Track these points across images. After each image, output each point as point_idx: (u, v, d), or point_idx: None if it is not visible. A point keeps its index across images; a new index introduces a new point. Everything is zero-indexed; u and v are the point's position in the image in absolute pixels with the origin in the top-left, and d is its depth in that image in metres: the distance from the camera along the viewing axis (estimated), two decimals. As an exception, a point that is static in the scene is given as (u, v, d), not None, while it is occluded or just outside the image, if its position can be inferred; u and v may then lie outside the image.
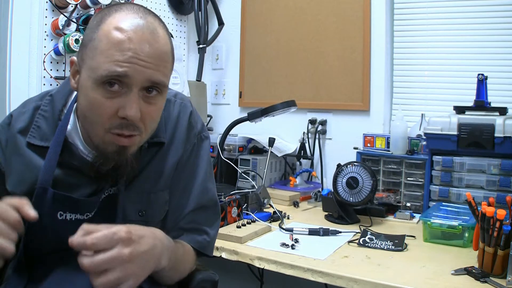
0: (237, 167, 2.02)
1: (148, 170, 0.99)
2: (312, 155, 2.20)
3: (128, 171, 0.91)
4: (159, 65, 0.85)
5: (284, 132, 2.29)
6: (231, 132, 2.02)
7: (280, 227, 1.58)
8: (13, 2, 1.70)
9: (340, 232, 1.52)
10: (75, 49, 1.74)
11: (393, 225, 1.66)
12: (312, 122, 2.22)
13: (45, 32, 1.79)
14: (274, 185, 2.10)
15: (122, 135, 0.85)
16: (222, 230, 1.46)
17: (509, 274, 1.08)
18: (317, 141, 2.19)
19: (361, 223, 1.64)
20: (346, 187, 1.64)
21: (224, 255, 1.38)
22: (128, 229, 0.77)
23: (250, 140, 2.18)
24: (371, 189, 1.61)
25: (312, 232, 1.50)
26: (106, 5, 1.80)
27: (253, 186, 1.91)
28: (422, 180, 1.77)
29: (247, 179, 1.98)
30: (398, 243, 1.39)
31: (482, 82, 1.66)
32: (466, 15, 1.92)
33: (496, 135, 1.55)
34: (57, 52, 1.79)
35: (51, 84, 1.79)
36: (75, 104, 0.93)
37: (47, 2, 1.78)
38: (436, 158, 1.69)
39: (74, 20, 1.79)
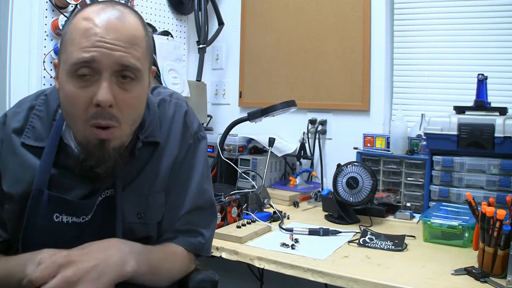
0: (237, 167, 2.02)
1: (146, 172, 0.99)
2: (312, 155, 2.20)
3: (115, 168, 0.90)
4: (128, 47, 0.84)
5: (284, 132, 2.29)
6: (231, 132, 2.02)
7: (280, 227, 1.58)
8: (13, 2, 1.70)
9: (340, 232, 1.52)
10: (75, 49, 1.74)
11: (393, 225, 1.66)
12: (312, 122, 2.22)
13: (45, 32, 1.79)
14: (274, 185, 2.10)
15: (99, 126, 0.84)
16: (222, 230, 1.46)
17: (509, 274, 1.08)
18: (317, 141, 2.19)
19: (361, 223, 1.64)
20: (346, 187, 1.64)
21: (224, 255, 1.38)
22: (67, 253, 0.80)
23: (250, 140, 2.18)
24: (371, 189, 1.61)
25: (312, 232, 1.50)
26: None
27: (253, 186, 1.91)
28: (422, 180, 1.77)
29: (247, 179, 1.98)
30: (398, 243, 1.39)
31: (482, 82, 1.66)
32: (466, 15, 1.92)
33: (496, 135, 1.55)
34: (57, 52, 1.79)
35: (51, 84, 1.79)
36: None
37: (47, 2, 1.78)
38: (436, 158, 1.69)
39: (74, 20, 1.79)
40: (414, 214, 1.72)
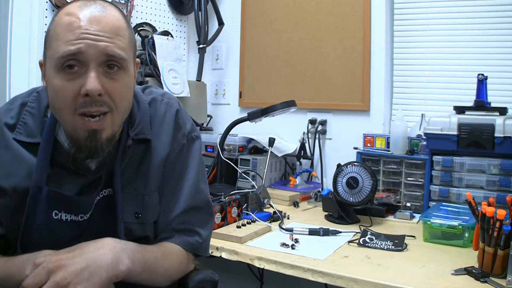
0: (237, 167, 2.02)
1: (140, 171, 0.99)
2: (312, 155, 2.20)
3: (107, 161, 0.91)
4: (112, 38, 0.86)
5: (284, 132, 2.29)
6: (231, 132, 2.02)
7: (280, 227, 1.58)
8: (13, 2, 1.70)
9: (340, 232, 1.52)
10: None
11: (393, 225, 1.65)
12: (312, 122, 2.22)
13: (45, 32, 1.78)
14: (274, 185, 2.10)
15: (90, 114, 0.84)
16: (222, 230, 1.46)
17: (509, 274, 1.08)
18: (317, 141, 2.19)
19: (361, 223, 1.64)
20: (346, 187, 1.64)
21: (224, 255, 1.38)
22: (56, 257, 0.80)
23: (250, 140, 2.18)
24: (371, 189, 1.61)
25: (312, 232, 1.50)
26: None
27: (253, 186, 1.91)
28: (422, 180, 1.77)
29: (247, 179, 1.98)
30: (398, 243, 1.39)
31: (482, 82, 1.66)
32: (466, 15, 1.92)
33: (496, 135, 1.55)
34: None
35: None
36: None
37: (47, 2, 1.78)
38: (436, 158, 1.69)
39: (74, 20, 1.79)
40: (414, 214, 1.72)
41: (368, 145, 1.95)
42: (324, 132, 2.21)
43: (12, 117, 0.95)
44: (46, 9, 1.78)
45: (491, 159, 1.59)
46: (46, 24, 1.78)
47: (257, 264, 1.31)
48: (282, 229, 1.55)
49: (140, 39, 2.10)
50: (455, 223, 1.39)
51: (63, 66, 0.83)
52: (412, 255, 1.33)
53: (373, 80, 2.07)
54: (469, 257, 1.27)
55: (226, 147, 2.09)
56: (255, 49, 2.44)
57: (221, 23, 2.43)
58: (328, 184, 2.00)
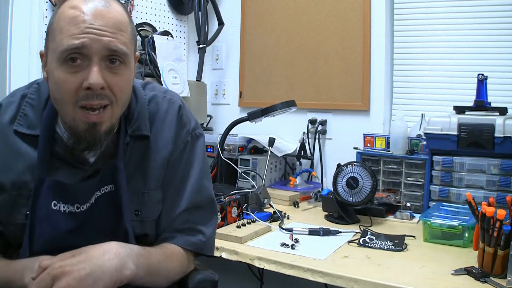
0: (237, 167, 2.02)
1: (141, 168, 0.99)
2: (312, 155, 2.20)
3: (104, 154, 0.92)
4: (115, 33, 0.87)
5: (284, 132, 2.29)
6: (231, 132, 2.02)
7: (280, 227, 1.58)
8: (13, 2, 1.70)
9: (340, 232, 1.52)
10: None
11: (393, 225, 1.65)
12: (312, 122, 2.22)
13: (45, 32, 1.78)
14: (274, 185, 2.10)
15: (91, 107, 0.86)
16: (222, 230, 1.46)
17: (509, 274, 1.08)
18: (317, 141, 2.19)
19: (361, 223, 1.64)
20: (346, 187, 1.64)
21: (224, 255, 1.38)
22: (60, 264, 0.80)
23: (250, 140, 2.18)
24: (371, 189, 1.61)
25: (312, 232, 1.50)
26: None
27: (253, 186, 1.91)
28: (422, 180, 1.77)
29: (247, 179, 1.98)
30: (398, 243, 1.39)
31: (482, 82, 1.66)
32: (466, 15, 1.92)
33: (496, 135, 1.55)
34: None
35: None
36: None
37: (47, 2, 1.78)
38: (436, 158, 1.69)
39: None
40: (414, 214, 1.72)
41: (368, 145, 1.95)
42: (324, 132, 2.21)
43: (12, 109, 0.96)
44: (46, 9, 1.78)
45: (491, 159, 1.59)
46: (46, 24, 1.78)
47: (257, 264, 1.31)
48: (282, 229, 1.55)
49: (140, 39, 2.10)
50: (455, 223, 1.39)
51: (66, 59, 0.84)
52: (412, 255, 1.33)
53: (373, 80, 2.07)
54: (469, 257, 1.27)
55: (226, 147, 2.09)
56: (255, 49, 2.44)
57: (221, 23, 2.43)
58: (328, 184, 2.00)
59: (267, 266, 1.29)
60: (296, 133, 2.24)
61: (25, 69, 1.75)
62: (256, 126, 2.05)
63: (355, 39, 2.10)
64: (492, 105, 1.66)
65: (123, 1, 2.06)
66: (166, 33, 2.23)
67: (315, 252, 1.33)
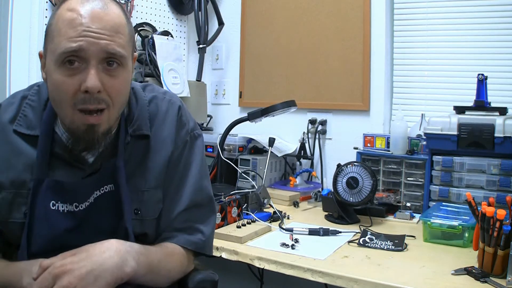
0: (237, 167, 2.02)
1: (141, 168, 1.00)
2: (312, 155, 2.20)
3: (103, 154, 0.93)
4: (113, 35, 0.87)
5: (284, 132, 2.29)
6: (231, 132, 2.02)
7: (280, 227, 1.58)
8: (13, 2, 1.70)
9: (340, 232, 1.52)
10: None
11: (393, 225, 1.65)
12: (312, 122, 2.22)
13: (46, 24, 1.78)
14: (274, 185, 2.10)
15: (88, 111, 0.86)
16: (222, 230, 1.46)
17: (509, 274, 1.08)
18: (317, 141, 2.19)
19: (361, 223, 1.64)
20: (346, 187, 1.64)
21: (224, 255, 1.38)
22: (61, 262, 0.81)
23: (250, 140, 2.18)
24: (371, 189, 1.61)
25: (312, 232, 1.50)
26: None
27: (253, 186, 1.91)
28: (422, 180, 1.77)
29: (247, 179, 1.98)
30: (398, 243, 1.39)
31: (482, 82, 1.66)
32: (466, 15, 1.92)
33: (496, 135, 1.55)
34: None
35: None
36: None
37: (47, 2, 1.78)
38: (436, 158, 1.69)
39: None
40: (414, 214, 1.72)
41: (368, 145, 1.95)
42: (324, 132, 2.21)
43: (12, 110, 0.97)
44: (46, 9, 1.78)
45: (491, 159, 1.59)
46: (46, 24, 1.77)
47: (257, 264, 1.32)
48: (282, 229, 1.55)
49: (140, 39, 2.10)
50: (455, 223, 1.39)
51: (64, 61, 0.85)
52: (412, 255, 1.33)
53: (373, 80, 2.07)
54: (469, 257, 1.27)
55: (226, 147, 2.09)
56: (255, 49, 2.44)
57: (221, 23, 2.43)
58: (328, 184, 2.00)
59: (267, 266, 1.29)
60: (296, 133, 2.24)
61: (25, 70, 1.75)
62: (256, 126, 2.05)
63: (355, 39, 2.10)
64: (492, 105, 1.66)
65: (123, 1, 2.06)
66: (166, 33, 2.23)
67: (315, 252, 1.33)
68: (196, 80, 2.34)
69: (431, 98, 2.01)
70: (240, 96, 2.50)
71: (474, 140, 1.60)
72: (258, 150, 2.20)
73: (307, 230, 1.51)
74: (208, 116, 2.51)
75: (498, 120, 1.55)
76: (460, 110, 1.70)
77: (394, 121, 1.91)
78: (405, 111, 1.96)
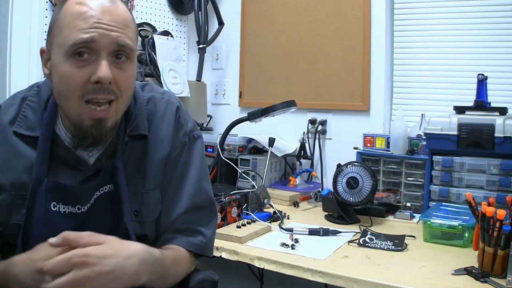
0: (237, 167, 2.02)
1: (139, 169, 0.99)
2: (312, 155, 2.20)
3: (105, 155, 0.93)
4: (123, 29, 0.88)
5: (284, 132, 2.29)
6: (231, 132, 2.02)
7: (280, 227, 1.58)
8: (13, 2, 1.70)
9: (340, 232, 1.52)
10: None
11: (393, 225, 1.66)
12: (312, 122, 2.22)
13: (45, 32, 1.78)
14: (274, 185, 2.10)
15: (97, 102, 0.86)
16: (222, 230, 1.46)
17: (509, 274, 1.08)
18: (317, 141, 2.19)
19: (361, 223, 1.64)
20: (346, 187, 1.64)
21: (224, 255, 1.38)
22: (85, 252, 0.79)
23: (250, 140, 2.18)
24: (371, 189, 1.61)
25: (312, 232, 1.50)
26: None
27: (253, 186, 1.91)
28: (422, 180, 1.77)
29: (247, 179, 1.98)
30: (398, 243, 1.39)
31: (482, 82, 1.66)
32: (466, 15, 1.92)
33: (496, 135, 1.55)
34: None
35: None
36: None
37: (47, 2, 1.78)
38: (436, 158, 1.69)
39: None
40: (414, 214, 1.72)
41: (368, 145, 1.95)
42: (324, 132, 2.21)
43: (12, 111, 0.96)
44: (46, 9, 1.78)
45: (491, 159, 1.59)
46: (46, 24, 1.78)
47: (257, 264, 1.32)
48: (282, 229, 1.55)
49: (140, 39, 2.10)
50: (455, 223, 1.39)
51: (73, 53, 0.85)
52: (412, 255, 1.33)
53: (373, 80, 2.07)
54: (469, 257, 1.27)
55: (226, 147, 2.09)
56: (255, 49, 2.44)
57: (221, 23, 2.43)
58: (328, 184, 2.00)
59: (267, 266, 1.29)
60: (296, 133, 2.24)
61: (25, 69, 1.75)
62: (256, 126, 2.05)
63: (355, 39, 2.10)
64: (492, 105, 1.66)
65: (123, 1, 2.06)
66: (166, 33, 2.23)
67: (315, 252, 1.33)
68: (196, 80, 2.34)
69: (431, 98, 2.01)
70: (240, 96, 2.50)
71: (474, 140, 1.60)
72: (258, 150, 2.20)
73: (307, 230, 1.51)
74: (208, 116, 2.51)
75: (498, 120, 1.55)
76: (460, 110, 1.70)
77: (394, 121, 1.91)
78: (405, 111, 1.96)
